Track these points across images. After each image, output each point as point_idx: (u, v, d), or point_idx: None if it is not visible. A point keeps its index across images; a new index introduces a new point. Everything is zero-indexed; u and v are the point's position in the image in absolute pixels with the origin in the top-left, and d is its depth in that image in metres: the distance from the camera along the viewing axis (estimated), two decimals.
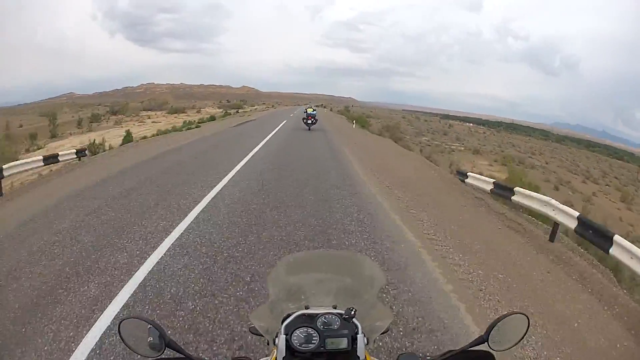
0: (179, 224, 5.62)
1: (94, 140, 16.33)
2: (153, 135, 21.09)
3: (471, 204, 8.19)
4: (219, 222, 5.75)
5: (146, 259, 4.43)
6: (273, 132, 21.18)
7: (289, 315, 1.18)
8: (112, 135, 29.31)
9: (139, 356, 1.10)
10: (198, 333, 3.14)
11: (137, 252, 4.66)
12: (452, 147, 55.17)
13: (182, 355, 1.12)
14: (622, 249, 5.01)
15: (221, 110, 65.79)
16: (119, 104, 73.60)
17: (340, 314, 1.16)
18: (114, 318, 3.29)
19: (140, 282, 3.92)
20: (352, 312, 1.14)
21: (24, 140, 31.78)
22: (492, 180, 9.20)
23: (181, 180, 8.39)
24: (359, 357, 1.13)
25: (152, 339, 1.09)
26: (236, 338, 3.07)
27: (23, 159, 12.49)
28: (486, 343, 1.13)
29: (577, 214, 6.14)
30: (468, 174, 10.37)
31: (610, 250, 5.17)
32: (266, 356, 1.30)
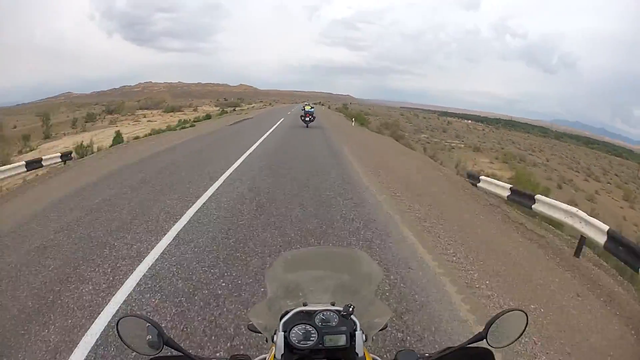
0: (155, 245, 4.83)
1: (82, 142, 15.48)
2: (146, 135, 20.28)
3: (487, 213, 7.45)
4: (201, 245, 4.90)
5: (111, 297, 3.65)
6: (270, 131, 20.32)
7: (287, 313, 1.17)
8: (106, 135, 28.54)
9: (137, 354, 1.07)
10: None
11: (104, 285, 3.89)
12: (452, 144, 54.45)
13: (180, 354, 1.12)
14: None
15: (218, 108, 64.93)
16: (115, 103, 72.80)
17: (339, 311, 1.15)
18: None
19: (102, 332, 3.14)
20: (351, 309, 1.13)
21: (17, 141, 31.26)
22: (509, 185, 8.48)
23: (165, 189, 7.59)
24: (357, 354, 1.12)
25: (150, 337, 1.09)
26: None
27: (10, 164, 11.87)
28: (485, 340, 1.12)
29: (606, 227, 5.40)
30: (480, 177, 9.64)
31: None
32: (265, 353, 1.30)
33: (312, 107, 25.29)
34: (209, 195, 7.14)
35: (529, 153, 60.96)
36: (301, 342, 1.11)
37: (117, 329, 1.09)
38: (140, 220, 5.75)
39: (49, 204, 6.89)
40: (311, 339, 1.11)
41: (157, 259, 4.44)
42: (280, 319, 1.16)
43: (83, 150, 14.54)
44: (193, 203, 6.61)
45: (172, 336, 1.30)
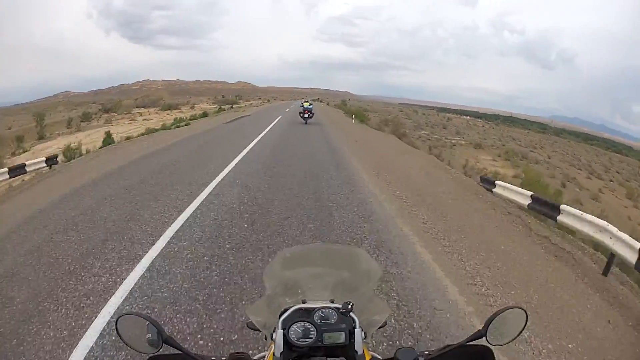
0: (126, 277, 4.07)
1: (69, 144, 14.78)
2: (140, 135, 19.51)
3: (507, 225, 6.74)
4: (178, 277, 4.07)
5: (72, 350, 2.96)
6: (266, 130, 19.44)
7: (286, 310, 1.17)
8: (100, 135, 27.76)
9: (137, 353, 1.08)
10: None
11: (65, 332, 3.19)
12: (453, 141, 53.78)
13: (179, 352, 1.11)
14: None
15: (216, 106, 64.11)
16: (112, 102, 72.00)
17: (338, 308, 1.15)
18: None
19: None
20: (349, 306, 1.13)
21: (10, 143, 30.74)
22: (530, 193, 7.79)
23: (146, 202, 6.77)
24: (356, 352, 1.12)
25: (150, 335, 1.09)
26: None
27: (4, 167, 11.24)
28: (484, 338, 1.11)
29: (638, 245, 4.77)
30: (496, 182, 8.94)
31: None
32: (264, 351, 1.30)
33: (310, 104, 25.60)
34: (193, 209, 6.28)
35: (530, 150, 60.31)
36: (300, 340, 1.11)
37: (116, 327, 1.08)
38: (114, 243, 5.00)
39: (22, 218, 6.26)
40: (310, 336, 1.11)
41: (124, 299, 3.69)
42: (279, 317, 1.16)
43: (71, 153, 13.82)
44: (174, 220, 5.76)
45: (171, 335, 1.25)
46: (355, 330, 1.13)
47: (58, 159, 13.30)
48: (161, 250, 4.71)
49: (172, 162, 10.48)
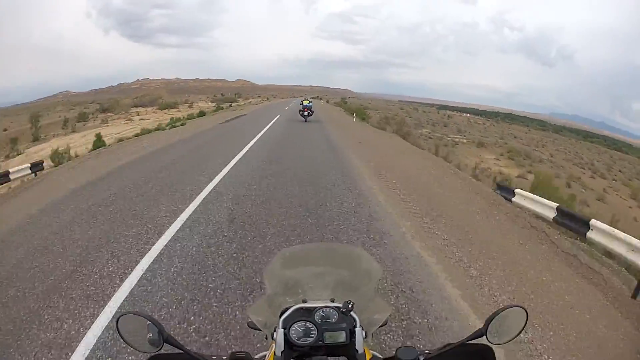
0: (90, 326, 3.34)
1: (57, 148, 14.07)
2: (132, 137, 18.75)
3: (532, 241, 6.02)
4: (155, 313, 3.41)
5: None
6: (264, 130, 18.56)
7: (286, 309, 1.17)
8: (94, 137, 27.18)
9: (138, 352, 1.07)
10: None
11: None
12: (455, 139, 53.00)
13: (180, 351, 1.11)
14: None
15: (214, 104, 63.33)
16: (109, 101, 71.19)
17: (338, 307, 1.15)
18: None
19: None
20: (350, 306, 1.13)
21: (5, 145, 30.20)
22: (555, 204, 7.11)
23: (124, 220, 5.95)
24: (357, 351, 1.12)
25: (151, 334, 1.08)
26: None
27: None
28: (485, 336, 1.11)
29: None
30: (515, 191, 8.25)
31: None
32: (265, 351, 1.30)
33: (310, 102, 26.20)
34: (174, 231, 5.36)
35: (533, 148, 59.62)
36: (301, 339, 1.11)
37: (117, 327, 1.08)
38: (82, 276, 4.26)
39: None
40: (311, 335, 1.11)
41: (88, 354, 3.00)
42: (280, 316, 1.16)
43: (59, 158, 13.11)
44: (152, 245, 4.93)
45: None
46: (356, 329, 1.13)
47: (44, 164, 12.67)
48: (132, 289, 3.92)
49: (159, 169, 9.62)
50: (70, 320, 3.45)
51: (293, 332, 1.11)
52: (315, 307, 1.16)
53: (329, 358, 1.11)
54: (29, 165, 11.35)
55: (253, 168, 9.64)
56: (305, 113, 24.72)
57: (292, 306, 1.18)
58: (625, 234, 5.49)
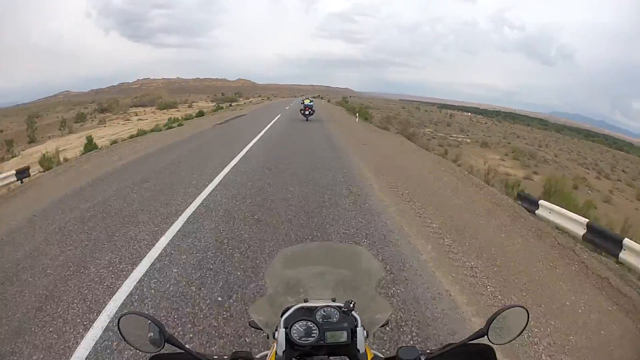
0: None
1: (46, 153, 13.39)
2: (128, 138, 18.04)
3: (561, 262, 5.34)
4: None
5: None
6: (263, 132, 17.77)
7: (288, 309, 1.17)
8: (92, 137, 26.55)
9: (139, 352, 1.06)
10: None
11: None
12: (458, 139, 52.18)
13: (181, 351, 1.11)
14: None
15: (214, 104, 62.63)
16: (108, 101, 70.52)
17: (340, 307, 1.15)
18: None
19: None
20: (351, 305, 1.13)
21: (0, 147, 29.59)
22: (585, 220, 6.44)
23: (98, 244, 5.17)
24: (358, 350, 1.11)
25: (152, 334, 1.08)
26: None
27: None
28: (486, 336, 1.11)
29: None
30: (540, 202, 7.55)
31: None
32: (266, 350, 1.29)
33: (311, 101, 26.70)
34: (153, 259, 4.61)
35: (537, 148, 58.93)
36: (302, 339, 1.10)
37: (119, 326, 1.08)
38: (44, 319, 3.57)
39: None
40: (312, 335, 1.11)
41: None
42: (281, 316, 1.16)
43: (48, 162, 12.44)
44: (124, 280, 4.15)
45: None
46: (357, 329, 1.12)
47: (33, 169, 12.04)
48: (95, 344, 3.18)
49: (147, 176, 8.86)
50: None
51: (294, 331, 1.10)
52: (317, 307, 1.15)
53: (330, 358, 1.11)
54: (15, 172, 10.68)
55: (248, 178, 8.72)
56: (307, 112, 25.07)
57: (293, 306, 1.17)
58: None
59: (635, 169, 57.66)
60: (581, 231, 6.39)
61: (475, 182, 9.63)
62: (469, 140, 52.78)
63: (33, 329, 3.42)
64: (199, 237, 5.29)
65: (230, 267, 4.46)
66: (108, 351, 3.07)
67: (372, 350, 1.20)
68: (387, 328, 3.18)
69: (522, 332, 1.12)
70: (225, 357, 1.18)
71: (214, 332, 3.30)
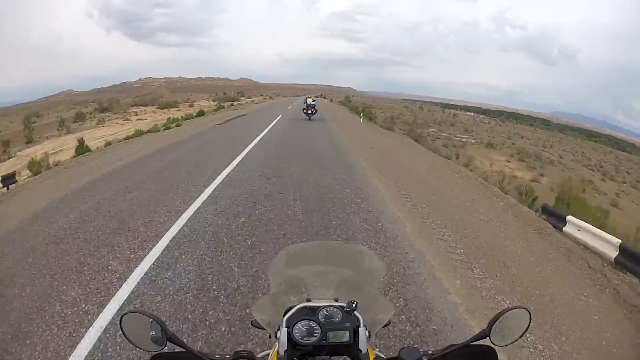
0: None
1: (34, 157, 12.79)
2: (124, 139, 17.41)
3: (592, 289, 4.75)
4: None
5: None
6: (263, 133, 16.99)
7: (290, 308, 1.16)
8: (88, 138, 25.90)
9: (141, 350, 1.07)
10: None
11: None
12: (463, 139, 51.40)
13: (184, 350, 1.11)
14: None
15: (216, 103, 61.97)
16: (109, 101, 69.83)
17: (342, 307, 1.14)
18: None
19: None
20: (354, 305, 1.12)
21: None
22: (617, 240, 5.78)
23: (67, 274, 4.43)
24: (360, 351, 1.11)
25: (154, 333, 1.08)
26: None
27: None
28: (488, 338, 1.11)
29: None
30: (567, 218, 6.86)
31: None
32: (268, 349, 1.28)
33: (313, 100, 26.96)
34: (127, 295, 3.90)
35: (541, 149, 58.22)
36: (304, 338, 1.10)
37: (121, 325, 1.08)
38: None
39: None
40: (314, 334, 1.10)
41: None
42: (284, 315, 1.15)
43: (37, 167, 11.82)
44: (92, 323, 3.46)
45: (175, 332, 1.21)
46: (360, 329, 1.12)
47: (22, 174, 11.44)
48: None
49: (132, 187, 8.06)
50: None
51: (297, 331, 1.10)
52: (319, 306, 1.14)
53: (332, 357, 1.10)
54: (0, 178, 10.07)
55: (244, 189, 7.81)
56: (309, 112, 25.46)
57: (295, 305, 1.16)
58: None
59: (638, 170, 56.94)
60: (613, 253, 5.74)
61: (493, 191, 8.96)
62: (473, 141, 52.00)
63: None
64: (178, 270, 4.40)
65: (212, 317, 3.50)
66: None
67: (374, 351, 1.20)
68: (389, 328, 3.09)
69: (524, 333, 1.12)
70: (227, 356, 1.17)
71: None
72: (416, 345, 1.42)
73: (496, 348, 1.12)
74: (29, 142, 32.41)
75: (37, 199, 7.84)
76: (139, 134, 18.42)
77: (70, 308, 3.76)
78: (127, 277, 4.25)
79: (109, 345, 3.16)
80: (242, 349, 1.18)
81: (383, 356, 1.20)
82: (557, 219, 7.00)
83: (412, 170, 10.66)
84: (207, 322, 3.44)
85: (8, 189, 9.86)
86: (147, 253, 4.86)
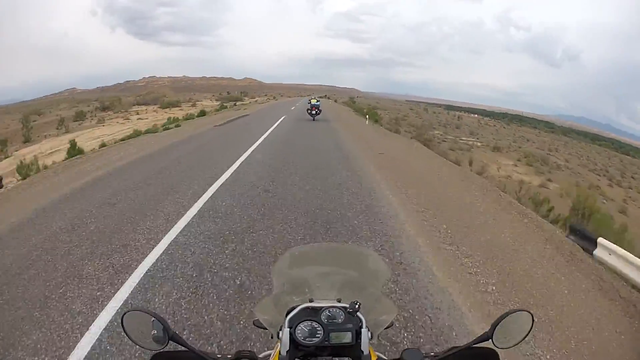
0: None
1: (22, 160, 12.10)
2: (122, 140, 16.71)
3: (623, 321, 4.17)
4: None
5: None
6: (264, 136, 15.99)
7: (293, 309, 1.15)
8: (85, 138, 25.37)
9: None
10: None
11: None
12: (469, 142, 50.62)
13: (185, 349, 1.09)
14: None
15: (219, 103, 61.38)
16: (110, 99, 69.32)
17: (345, 308, 1.13)
18: None
19: None
20: (357, 306, 1.11)
21: None
22: None
23: (28, 314, 3.64)
24: (362, 352, 1.10)
25: (155, 331, 1.07)
26: None
27: None
28: (490, 340, 1.10)
29: None
30: (598, 241, 6.09)
31: None
32: (270, 350, 1.27)
33: (318, 101, 27.27)
34: (93, 341, 3.17)
35: (547, 153, 57.48)
36: (307, 339, 1.09)
37: (122, 324, 1.07)
38: None
39: None
40: (317, 335, 1.09)
41: None
42: (286, 315, 1.14)
43: (26, 170, 11.12)
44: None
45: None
46: (362, 330, 1.11)
47: (10, 178, 10.77)
48: None
49: (113, 199, 7.11)
50: None
51: (299, 331, 1.09)
52: (322, 307, 1.13)
53: (334, 359, 1.10)
54: None
55: (238, 206, 6.69)
56: (314, 112, 25.68)
57: (298, 305, 1.15)
58: None
59: None
60: None
61: (515, 206, 8.19)
62: (479, 144, 51.23)
63: None
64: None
65: None
66: None
67: (376, 352, 1.19)
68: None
69: (526, 336, 1.11)
70: (229, 356, 1.15)
71: None
72: (418, 347, 1.39)
73: (498, 350, 1.10)
74: (27, 141, 31.83)
75: (19, 209, 7.12)
76: (135, 135, 17.71)
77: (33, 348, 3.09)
78: (86, 330, 3.37)
79: None
80: (243, 349, 1.17)
81: (385, 358, 1.20)
82: (587, 241, 6.27)
83: (426, 181, 9.82)
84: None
85: None
86: (114, 294, 3.94)
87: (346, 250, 1.84)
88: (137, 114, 48.90)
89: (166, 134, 18.02)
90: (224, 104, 55.34)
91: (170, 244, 5.09)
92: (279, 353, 1.09)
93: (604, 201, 32.34)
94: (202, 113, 32.13)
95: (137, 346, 1.06)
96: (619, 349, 3.73)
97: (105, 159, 11.74)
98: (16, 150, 27.23)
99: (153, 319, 1.05)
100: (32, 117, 48.73)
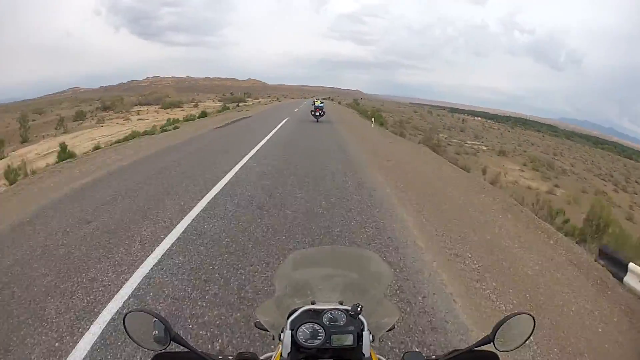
0: None
1: (10, 164, 11.56)
2: (117, 142, 16.09)
3: None
4: None
5: None
6: (266, 139, 15.35)
7: (294, 311, 1.13)
8: (83, 139, 24.85)
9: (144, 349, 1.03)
10: None
11: None
12: (474, 146, 49.96)
13: (187, 349, 1.08)
14: None
15: (221, 103, 60.84)
16: (112, 99, 68.93)
17: (347, 310, 1.12)
18: None
19: None
20: (359, 309, 1.10)
21: None
22: None
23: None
24: (364, 354, 1.09)
25: (157, 332, 1.06)
26: None
27: None
28: (492, 343, 1.09)
29: None
30: (629, 266, 5.46)
31: None
32: (272, 351, 1.27)
33: (321, 102, 27.33)
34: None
35: (552, 157, 56.91)
36: (308, 341, 1.08)
37: (124, 324, 1.06)
38: None
39: None
40: (318, 337, 1.08)
41: None
42: (288, 317, 1.13)
43: (14, 175, 10.57)
44: None
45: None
46: (364, 332, 1.10)
47: None
48: None
49: (94, 213, 6.36)
50: None
51: (300, 333, 1.08)
52: (324, 309, 1.12)
53: None
54: None
55: (228, 226, 5.85)
56: (317, 113, 25.99)
57: (300, 307, 1.13)
58: None
59: None
60: None
61: (537, 223, 7.52)
62: (484, 148, 50.62)
63: None
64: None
65: None
66: None
67: (377, 355, 1.18)
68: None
69: (527, 339, 1.09)
70: (230, 357, 1.15)
71: None
72: (419, 351, 1.32)
73: (499, 354, 1.09)
74: (25, 141, 31.34)
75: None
76: (132, 137, 17.11)
77: None
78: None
79: None
80: (245, 351, 1.15)
81: None
82: (619, 266, 5.66)
83: (440, 193, 9.11)
84: None
85: None
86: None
87: (348, 252, 1.82)
88: (138, 114, 48.45)
89: (165, 136, 17.46)
90: (227, 105, 54.75)
91: (152, 269, 4.39)
92: (280, 355, 1.08)
93: (611, 208, 31.66)
94: (203, 114, 31.58)
95: (139, 346, 1.03)
96: None
97: (95, 163, 10.98)
98: (13, 151, 26.69)
99: (155, 319, 1.05)
100: (32, 116, 48.37)
